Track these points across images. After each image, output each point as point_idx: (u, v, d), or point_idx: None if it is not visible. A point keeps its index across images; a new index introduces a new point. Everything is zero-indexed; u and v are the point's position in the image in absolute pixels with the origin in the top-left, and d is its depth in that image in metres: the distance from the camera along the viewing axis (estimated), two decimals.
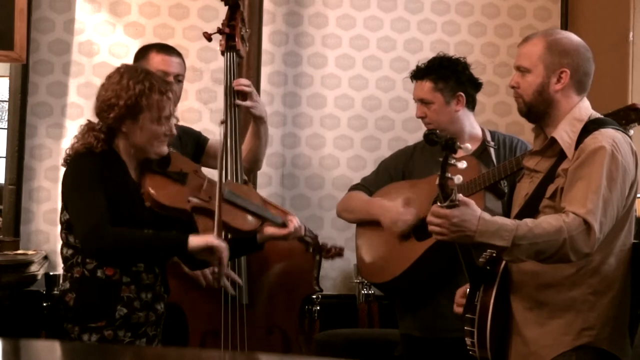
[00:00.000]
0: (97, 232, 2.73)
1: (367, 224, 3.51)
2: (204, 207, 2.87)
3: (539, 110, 2.79)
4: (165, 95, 2.84)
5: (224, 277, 2.98)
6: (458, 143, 2.51)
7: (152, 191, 2.83)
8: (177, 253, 2.90)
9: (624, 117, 2.91)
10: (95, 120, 2.90)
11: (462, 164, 2.51)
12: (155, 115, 2.82)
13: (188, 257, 2.95)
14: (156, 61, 3.37)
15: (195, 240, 2.78)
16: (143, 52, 3.46)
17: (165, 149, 2.88)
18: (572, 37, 2.86)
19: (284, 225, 3.03)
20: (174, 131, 2.90)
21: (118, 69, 2.90)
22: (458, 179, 2.51)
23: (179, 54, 3.47)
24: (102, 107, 2.83)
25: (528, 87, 2.79)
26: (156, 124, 2.82)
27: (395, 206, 3.40)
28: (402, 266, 3.34)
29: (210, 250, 2.79)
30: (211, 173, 3.13)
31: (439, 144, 2.56)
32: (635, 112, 2.92)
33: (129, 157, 2.87)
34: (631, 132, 2.90)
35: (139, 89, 2.80)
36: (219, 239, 2.80)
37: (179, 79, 3.41)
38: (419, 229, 3.31)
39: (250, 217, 2.98)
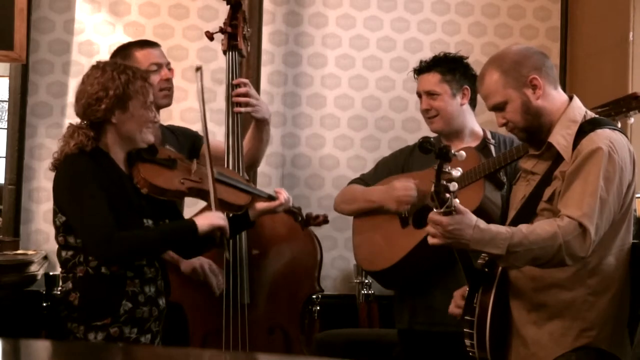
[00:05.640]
0: (109, 241, 2.77)
1: (364, 215, 3.51)
2: (197, 188, 3.00)
3: (534, 126, 2.78)
4: (147, 82, 2.93)
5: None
6: (452, 151, 2.50)
7: (149, 178, 2.91)
8: (189, 240, 2.96)
9: (625, 105, 2.95)
10: (75, 123, 2.94)
11: (457, 172, 2.50)
12: (142, 100, 2.89)
13: (186, 247, 3.03)
14: (143, 55, 3.38)
15: (203, 225, 2.89)
16: (125, 52, 3.43)
17: (151, 137, 2.95)
18: (511, 48, 2.89)
19: (272, 198, 3.13)
20: (158, 118, 3.01)
21: (95, 66, 2.95)
22: (454, 186, 2.51)
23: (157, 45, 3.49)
24: (90, 102, 2.87)
25: (515, 115, 2.77)
26: (144, 110, 2.90)
27: (392, 187, 3.40)
28: (399, 253, 3.34)
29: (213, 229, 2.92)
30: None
31: (432, 152, 2.55)
32: (636, 100, 2.95)
33: (116, 151, 2.92)
34: (632, 119, 2.94)
35: (124, 78, 2.87)
36: (220, 217, 2.93)
37: (169, 67, 3.45)
38: (417, 216, 3.31)
39: (241, 193, 3.11)
